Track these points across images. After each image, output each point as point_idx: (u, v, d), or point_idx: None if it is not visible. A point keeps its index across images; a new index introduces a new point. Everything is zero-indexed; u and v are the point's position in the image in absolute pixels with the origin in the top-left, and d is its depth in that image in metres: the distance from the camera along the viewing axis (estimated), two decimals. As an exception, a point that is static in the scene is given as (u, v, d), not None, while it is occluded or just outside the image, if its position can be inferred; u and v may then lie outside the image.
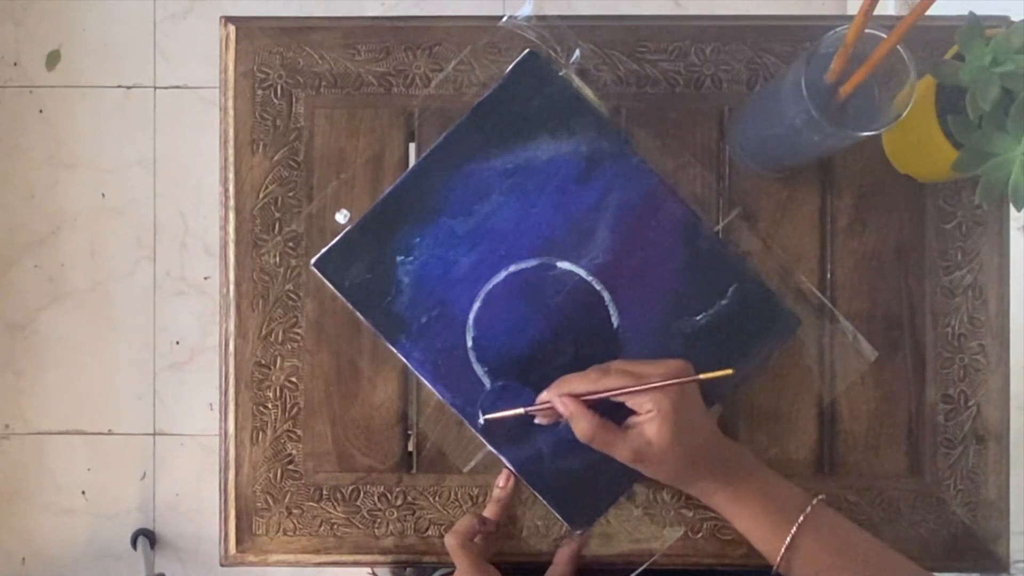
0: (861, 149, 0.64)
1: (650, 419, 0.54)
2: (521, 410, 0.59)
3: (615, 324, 0.63)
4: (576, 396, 0.56)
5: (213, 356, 1.44)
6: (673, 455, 0.54)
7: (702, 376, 0.55)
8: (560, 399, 0.56)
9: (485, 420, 0.62)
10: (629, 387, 0.54)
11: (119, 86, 1.47)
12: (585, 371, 0.57)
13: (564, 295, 0.63)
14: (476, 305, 0.63)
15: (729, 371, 0.55)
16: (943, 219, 0.64)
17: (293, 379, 0.65)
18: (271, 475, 0.65)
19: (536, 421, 0.60)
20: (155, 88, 1.47)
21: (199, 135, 1.46)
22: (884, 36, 0.48)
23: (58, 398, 1.47)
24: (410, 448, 0.65)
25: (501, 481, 0.64)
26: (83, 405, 1.47)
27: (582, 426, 0.55)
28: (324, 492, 0.65)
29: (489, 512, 0.62)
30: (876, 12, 0.48)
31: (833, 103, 0.51)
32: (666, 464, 0.55)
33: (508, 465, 0.63)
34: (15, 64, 1.47)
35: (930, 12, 0.46)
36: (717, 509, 0.58)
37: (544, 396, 0.58)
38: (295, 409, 0.65)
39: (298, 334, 0.65)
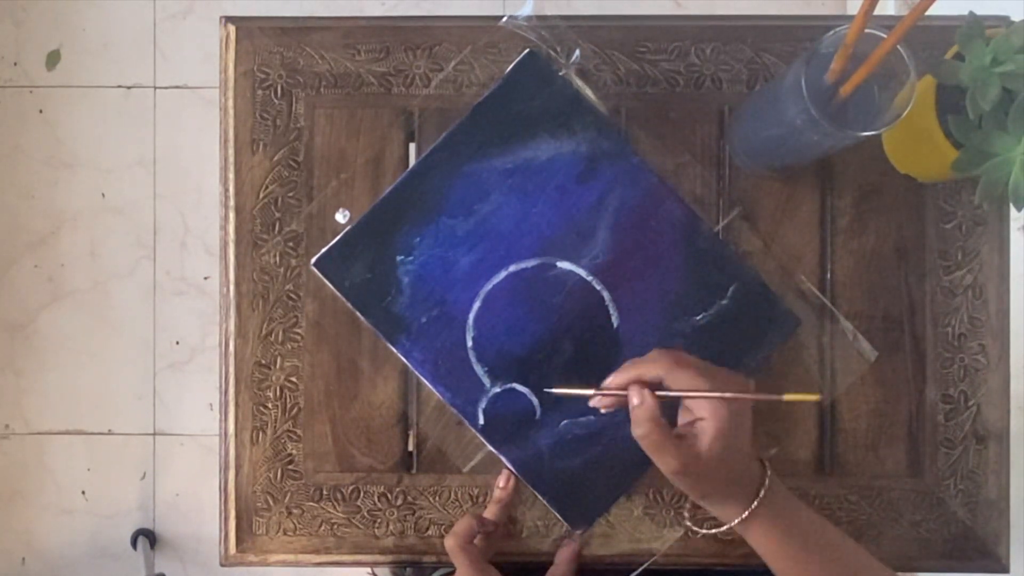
0: (861, 149, 0.64)
1: (703, 431, 0.51)
2: (590, 391, 0.56)
3: (615, 324, 0.63)
4: (646, 384, 0.53)
5: (213, 356, 1.44)
6: (716, 475, 0.52)
7: (787, 397, 0.52)
8: (637, 389, 0.53)
9: (550, 392, 0.61)
10: (704, 391, 0.51)
11: (119, 86, 1.47)
12: (657, 355, 0.54)
13: (564, 295, 0.63)
14: (476, 305, 0.63)
15: (816, 396, 0.53)
16: (943, 219, 0.64)
17: (293, 379, 0.65)
18: (271, 475, 0.65)
19: (592, 404, 0.56)
20: (155, 88, 1.47)
21: (199, 135, 1.46)
22: (884, 36, 0.48)
23: (58, 398, 1.47)
24: (410, 448, 0.65)
25: (501, 481, 0.63)
26: (83, 405, 1.47)
27: (643, 424, 0.52)
28: (324, 492, 0.65)
29: (489, 513, 0.62)
30: (876, 12, 0.48)
31: (833, 103, 0.51)
32: (705, 482, 0.53)
33: (508, 465, 0.63)
34: (15, 64, 1.47)
35: (930, 12, 0.46)
36: (742, 534, 0.56)
37: (618, 380, 0.54)
38: (295, 409, 0.65)
39: (298, 334, 0.65)
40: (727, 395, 0.51)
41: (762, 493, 0.53)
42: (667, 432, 0.52)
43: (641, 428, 0.53)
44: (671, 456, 0.52)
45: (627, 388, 0.54)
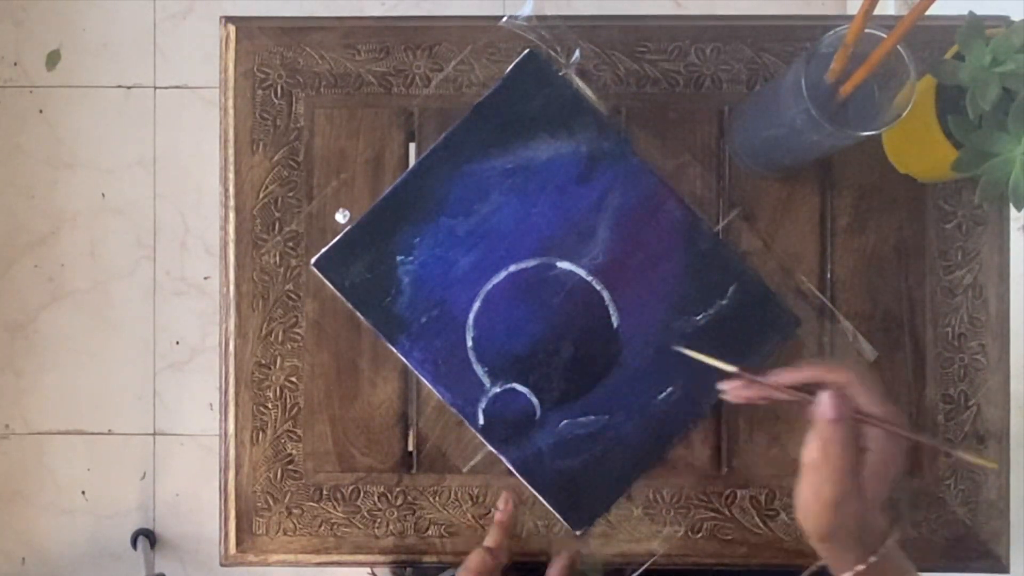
0: (861, 149, 0.64)
1: (865, 464, 0.47)
2: (734, 368, 0.52)
3: (615, 324, 0.63)
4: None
5: (213, 356, 1.44)
6: (853, 515, 0.47)
7: (962, 454, 0.49)
8: (834, 399, 0.47)
9: (678, 350, 0.58)
10: (893, 423, 0.47)
11: (119, 86, 1.47)
12: (841, 364, 0.49)
13: (564, 295, 0.63)
14: (476, 305, 0.63)
15: (994, 464, 0.50)
16: (943, 219, 0.64)
17: (293, 379, 0.65)
18: (271, 475, 0.65)
19: (722, 387, 0.52)
20: (155, 88, 1.47)
21: (199, 135, 1.46)
22: (884, 36, 0.48)
23: (58, 398, 1.47)
24: (410, 448, 0.65)
25: (501, 504, 0.63)
26: (83, 405, 1.47)
27: (837, 442, 0.47)
28: (324, 492, 0.65)
29: (493, 539, 0.61)
30: (876, 12, 0.48)
31: (833, 103, 0.51)
32: (839, 520, 0.47)
33: (508, 465, 0.63)
34: (15, 64, 1.47)
35: (930, 12, 0.46)
36: None
37: (797, 377, 0.50)
38: (295, 409, 0.65)
39: (298, 334, 0.65)
40: (918, 438, 0.47)
41: (883, 549, 0.48)
42: (853, 459, 0.47)
43: (832, 446, 0.47)
44: (836, 484, 0.46)
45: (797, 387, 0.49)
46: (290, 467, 0.65)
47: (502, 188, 0.63)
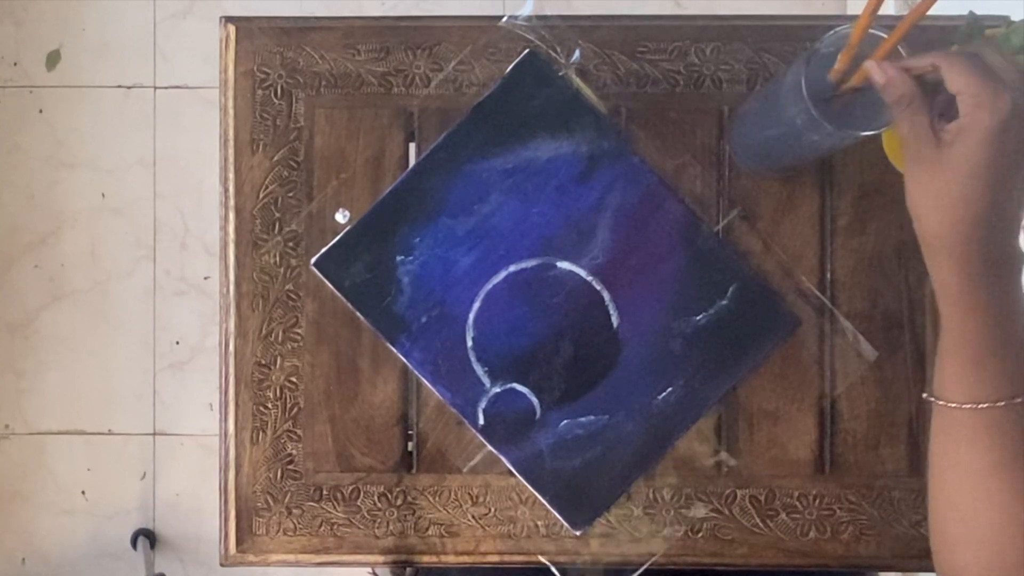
0: (861, 149, 0.64)
1: (959, 131, 0.41)
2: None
3: (615, 324, 0.63)
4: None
5: (213, 356, 1.43)
6: (963, 196, 0.40)
7: None
8: (877, 64, 0.44)
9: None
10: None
11: (119, 86, 1.47)
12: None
13: (564, 295, 0.63)
14: (476, 305, 0.63)
15: None
16: (943, 219, 0.64)
17: (293, 379, 0.65)
18: (271, 475, 0.65)
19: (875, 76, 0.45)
20: (155, 88, 1.47)
21: (199, 135, 1.46)
22: (885, 36, 0.48)
23: (58, 398, 1.47)
24: (410, 448, 0.65)
25: None
26: (83, 405, 1.47)
27: (898, 88, 0.43)
28: (324, 492, 0.65)
29: None
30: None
31: (833, 103, 0.51)
32: (949, 203, 0.41)
33: (508, 465, 0.63)
34: (15, 64, 1.47)
35: (930, 12, 0.46)
36: (945, 317, 0.44)
37: (868, 62, 0.45)
38: (295, 409, 0.65)
39: (298, 334, 0.65)
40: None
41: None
42: (926, 117, 0.42)
43: (893, 89, 0.43)
44: (922, 128, 0.42)
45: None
46: (290, 467, 0.65)
47: (502, 188, 0.63)
